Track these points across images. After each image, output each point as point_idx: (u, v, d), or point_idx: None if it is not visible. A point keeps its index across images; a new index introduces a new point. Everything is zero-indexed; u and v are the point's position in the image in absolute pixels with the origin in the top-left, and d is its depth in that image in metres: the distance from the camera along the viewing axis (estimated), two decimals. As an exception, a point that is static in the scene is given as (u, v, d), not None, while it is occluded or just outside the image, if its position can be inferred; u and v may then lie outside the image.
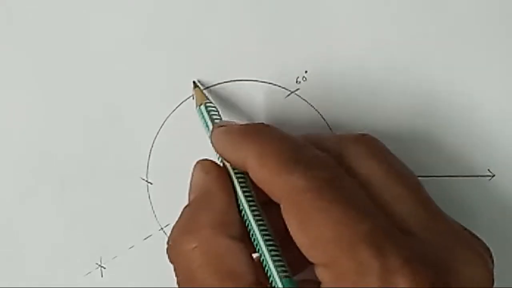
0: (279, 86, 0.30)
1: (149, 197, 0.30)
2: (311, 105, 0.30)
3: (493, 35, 0.30)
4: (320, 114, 0.30)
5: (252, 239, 0.25)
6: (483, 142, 0.30)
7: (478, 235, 0.26)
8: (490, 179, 0.30)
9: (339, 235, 0.22)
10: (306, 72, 0.30)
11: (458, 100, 0.30)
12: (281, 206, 0.23)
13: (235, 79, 0.30)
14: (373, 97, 0.30)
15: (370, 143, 0.26)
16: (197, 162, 0.27)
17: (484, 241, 0.26)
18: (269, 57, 0.30)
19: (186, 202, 0.30)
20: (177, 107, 0.30)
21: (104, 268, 0.30)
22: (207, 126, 0.28)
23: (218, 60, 0.30)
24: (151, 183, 0.30)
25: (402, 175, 0.25)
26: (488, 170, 0.30)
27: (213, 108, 0.29)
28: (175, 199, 0.30)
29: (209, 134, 0.27)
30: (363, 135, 0.26)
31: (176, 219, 0.30)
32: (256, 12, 0.30)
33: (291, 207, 0.23)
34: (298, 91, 0.30)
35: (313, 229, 0.22)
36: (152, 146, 0.30)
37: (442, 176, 0.30)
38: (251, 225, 0.25)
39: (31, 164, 0.31)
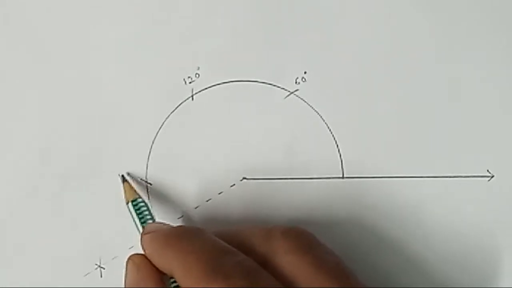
0: (278, 87, 0.30)
1: (148, 198, 0.30)
2: (311, 106, 0.30)
3: (494, 35, 0.30)
4: (319, 115, 0.30)
5: None
6: (483, 143, 0.30)
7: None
8: (490, 179, 0.30)
9: None
10: (305, 72, 0.30)
11: (458, 100, 0.30)
12: None
13: (235, 79, 0.30)
14: (373, 97, 0.30)
15: (296, 237, 0.26)
16: (129, 258, 0.27)
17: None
18: (268, 57, 0.30)
19: (185, 203, 0.30)
20: (177, 107, 0.30)
21: (104, 268, 0.30)
22: (136, 224, 0.29)
23: (217, 60, 0.30)
24: (150, 184, 0.30)
25: (330, 268, 0.25)
26: (488, 170, 0.30)
27: (142, 204, 0.29)
28: (174, 200, 0.30)
29: (138, 232, 0.28)
30: (291, 228, 0.27)
31: (175, 219, 0.30)
32: (256, 13, 0.30)
33: None
34: (297, 91, 0.30)
35: None
36: (151, 147, 0.30)
37: (442, 176, 0.30)
38: None
39: (30, 164, 0.31)
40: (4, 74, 0.31)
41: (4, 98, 0.31)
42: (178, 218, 0.30)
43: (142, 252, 0.27)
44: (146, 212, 0.29)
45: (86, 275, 0.30)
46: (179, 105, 0.30)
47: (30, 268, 0.31)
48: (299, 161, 0.30)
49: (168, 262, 0.26)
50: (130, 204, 0.29)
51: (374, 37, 0.30)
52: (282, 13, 0.30)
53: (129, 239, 0.30)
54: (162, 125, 0.30)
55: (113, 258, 0.30)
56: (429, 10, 0.30)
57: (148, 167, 0.30)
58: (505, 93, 0.30)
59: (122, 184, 0.30)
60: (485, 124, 0.30)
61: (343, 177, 0.30)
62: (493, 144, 0.30)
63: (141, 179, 0.30)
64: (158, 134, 0.30)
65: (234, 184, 0.30)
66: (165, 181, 0.30)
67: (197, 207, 0.30)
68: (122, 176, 0.30)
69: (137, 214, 0.29)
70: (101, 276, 0.30)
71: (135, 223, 0.29)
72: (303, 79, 0.30)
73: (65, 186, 0.31)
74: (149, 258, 0.27)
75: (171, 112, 0.30)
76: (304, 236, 0.26)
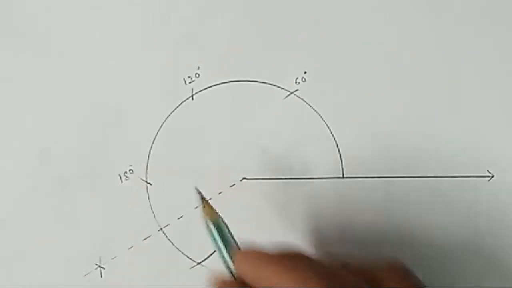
0: (278, 87, 0.30)
1: (148, 197, 0.30)
2: (310, 106, 0.30)
3: (494, 35, 0.30)
4: (319, 115, 0.30)
5: None
6: (483, 143, 0.30)
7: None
8: (490, 179, 0.30)
9: None
10: (305, 73, 0.30)
11: (459, 101, 0.30)
12: None
13: (235, 79, 0.30)
14: (373, 97, 0.30)
15: (400, 271, 0.27)
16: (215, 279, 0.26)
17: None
18: (268, 58, 0.30)
19: (185, 203, 0.30)
20: (177, 108, 0.30)
21: (104, 268, 0.30)
22: (216, 244, 0.27)
23: (218, 60, 0.30)
24: (150, 184, 0.30)
25: None
26: (488, 170, 0.30)
27: (225, 225, 0.27)
28: (174, 199, 0.30)
29: (221, 253, 0.27)
30: (395, 263, 0.27)
31: (175, 219, 0.30)
32: (256, 13, 0.30)
33: None
34: (297, 91, 0.30)
35: None
36: (151, 147, 0.30)
37: (442, 176, 0.30)
38: None
39: (31, 164, 0.31)
40: (5, 74, 0.31)
41: (4, 98, 0.31)
42: (178, 218, 0.30)
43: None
44: (228, 233, 0.27)
45: (86, 275, 0.30)
46: (179, 105, 0.30)
47: (30, 268, 0.31)
48: (299, 161, 0.30)
49: (281, 284, 0.24)
50: (212, 225, 0.27)
51: (374, 37, 0.30)
52: (282, 13, 0.30)
53: (129, 239, 0.30)
54: (162, 125, 0.30)
55: (113, 258, 0.30)
56: (429, 10, 0.30)
57: (148, 167, 0.30)
58: (505, 93, 0.30)
59: (201, 201, 0.28)
60: (485, 124, 0.30)
61: (343, 177, 0.30)
62: (493, 144, 0.30)
63: (141, 178, 0.30)
64: (158, 133, 0.30)
65: (234, 184, 0.30)
66: (165, 180, 0.30)
67: (197, 207, 0.30)
68: (199, 192, 0.28)
69: (220, 236, 0.27)
70: (101, 276, 0.30)
71: (216, 243, 0.27)
72: (303, 79, 0.30)
73: (65, 186, 0.31)
74: (248, 278, 0.25)
75: (171, 112, 0.30)
76: (406, 270, 0.27)
